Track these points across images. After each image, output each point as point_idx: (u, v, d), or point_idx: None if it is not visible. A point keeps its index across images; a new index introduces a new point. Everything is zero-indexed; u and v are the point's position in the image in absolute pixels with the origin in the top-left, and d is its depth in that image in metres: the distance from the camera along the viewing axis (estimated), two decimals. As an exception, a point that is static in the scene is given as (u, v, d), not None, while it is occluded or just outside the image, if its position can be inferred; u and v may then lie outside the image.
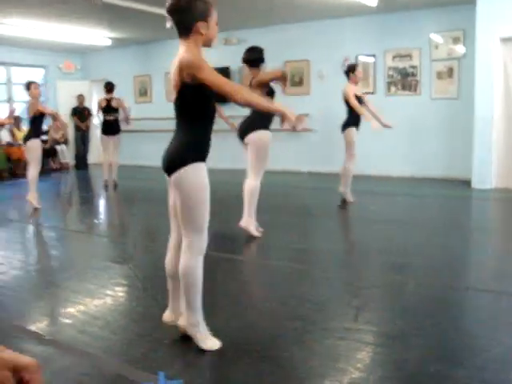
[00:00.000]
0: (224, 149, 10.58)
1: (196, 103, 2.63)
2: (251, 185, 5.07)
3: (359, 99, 6.68)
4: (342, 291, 3.79)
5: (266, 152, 5.03)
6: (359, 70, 6.74)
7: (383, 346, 2.82)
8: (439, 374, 2.45)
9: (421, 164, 9.08)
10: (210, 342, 2.77)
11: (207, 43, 2.66)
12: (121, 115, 9.25)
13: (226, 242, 5.22)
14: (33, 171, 7.25)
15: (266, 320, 3.21)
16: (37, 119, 7.18)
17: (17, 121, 11.89)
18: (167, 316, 2.98)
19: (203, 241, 2.74)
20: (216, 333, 2.85)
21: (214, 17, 2.63)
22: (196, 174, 2.63)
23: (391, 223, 5.82)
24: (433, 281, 3.81)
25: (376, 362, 2.67)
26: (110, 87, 9.14)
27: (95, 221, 6.96)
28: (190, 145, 2.65)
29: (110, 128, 9.14)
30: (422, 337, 2.84)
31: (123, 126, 9.48)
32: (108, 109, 9.07)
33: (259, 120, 4.94)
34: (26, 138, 7.25)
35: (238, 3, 7.95)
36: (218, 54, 10.71)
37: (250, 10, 8.56)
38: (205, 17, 2.57)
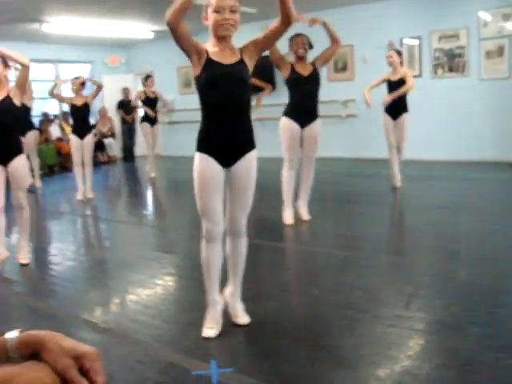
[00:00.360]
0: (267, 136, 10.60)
1: (199, 94, 2.73)
2: (282, 173, 5.18)
3: (390, 84, 6.61)
4: (392, 278, 3.73)
5: (285, 139, 5.07)
6: (388, 54, 6.68)
7: (436, 333, 2.77)
8: (497, 362, 2.38)
9: (472, 147, 8.83)
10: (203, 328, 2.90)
11: (213, 32, 2.67)
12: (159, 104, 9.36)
13: (271, 229, 5.22)
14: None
15: (317, 308, 3.20)
16: None
17: (65, 116, 12.22)
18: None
19: (205, 227, 2.85)
20: (265, 321, 2.86)
21: (211, 6, 2.58)
22: (196, 164, 2.74)
23: (443, 209, 5.68)
24: (487, 268, 3.69)
25: (429, 350, 2.63)
26: (146, 78, 9.28)
27: (144, 212, 7.09)
28: (198, 134, 2.78)
29: (149, 118, 9.29)
30: (478, 325, 2.77)
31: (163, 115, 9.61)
32: (147, 100, 9.19)
33: (286, 107, 5.12)
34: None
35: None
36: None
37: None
38: (204, 7, 2.65)
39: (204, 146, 2.73)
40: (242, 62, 2.72)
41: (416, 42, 9.24)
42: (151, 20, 10.16)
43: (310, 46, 5.04)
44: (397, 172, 6.76)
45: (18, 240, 4.55)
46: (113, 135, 13.01)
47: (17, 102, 4.19)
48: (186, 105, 12.57)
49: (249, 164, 2.77)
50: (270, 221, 5.42)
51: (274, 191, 5.85)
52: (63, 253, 4.95)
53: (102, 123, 12.84)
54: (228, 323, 2.96)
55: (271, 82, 10.78)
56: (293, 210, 5.26)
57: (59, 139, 11.77)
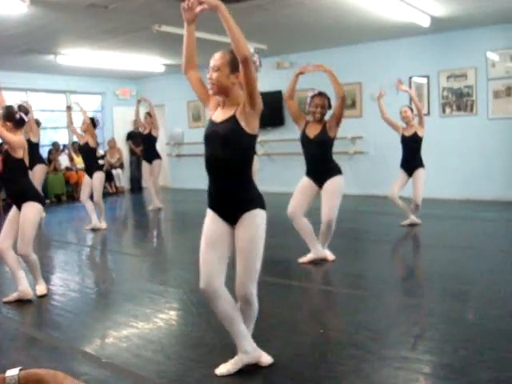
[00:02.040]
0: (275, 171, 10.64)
1: None
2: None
3: (404, 139, 6.65)
4: (399, 319, 3.67)
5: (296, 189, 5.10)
6: (403, 110, 6.72)
7: (444, 378, 2.71)
8: (506, 409, 2.33)
9: (479, 186, 8.80)
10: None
11: None
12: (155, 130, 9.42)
13: (279, 267, 5.19)
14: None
15: (322, 347, 3.15)
16: None
17: (75, 146, 12.34)
18: None
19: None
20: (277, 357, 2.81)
21: None
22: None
23: (451, 248, 5.63)
24: (496, 310, 3.63)
25: (437, 394, 2.57)
26: (145, 116, 9.44)
27: (150, 244, 7.07)
28: None
29: (147, 155, 9.42)
30: (487, 370, 2.71)
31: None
32: (148, 137, 9.31)
33: None
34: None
35: (289, 27, 8.02)
36: (271, 78, 10.83)
37: (301, 33, 8.61)
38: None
39: (208, 200, 2.79)
40: (232, 118, 2.63)
41: (424, 81, 9.32)
42: (162, 54, 10.33)
43: (329, 106, 4.99)
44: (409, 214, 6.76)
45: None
46: (121, 166, 13.10)
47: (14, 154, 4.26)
48: (194, 138, 12.67)
49: (247, 224, 2.66)
50: (276, 258, 5.38)
51: (282, 227, 5.83)
52: (68, 284, 4.93)
53: (111, 154, 12.94)
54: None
55: (279, 118, 10.90)
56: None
57: (68, 169, 11.85)
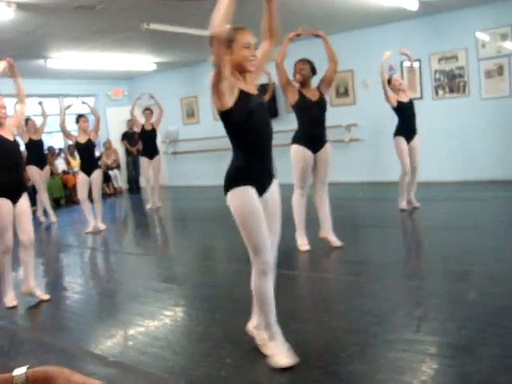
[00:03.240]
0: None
1: (233, 126, 2.73)
2: (293, 200, 5.18)
3: (400, 106, 6.65)
4: (402, 302, 3.71)
5: (299, 167, 5.06)
6: (394, 78, 6.74)
7: (448, 357, 2.74)
8: (511, 384, 2.36)
9: (475, 166, 8.83)
10: (276, 358, 2.77)
11: (238, 67, 2.70)
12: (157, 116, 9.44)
13: (280, 256, 5.20)
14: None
15: (326, 334, 3.18)
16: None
17: (71, 149, 12.34)
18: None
19: (261, 263, 2.73)
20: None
21: (238, 42, 2.67)
22: (239, 199, 2.71)
23: (451, 229, 5.66)
24: (496, 288, 3.66)
25: (443, 374, 2.60)
26: (143, 111, 9.45)
27: (151, 243, 7.09)
28: (232, 170, 2.77)
29: (148, 150, 9.39)
30: (490, 346, 2.74)
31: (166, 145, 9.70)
32: (152, 133, 9.30)
33: (296, 133, 5.13)
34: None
35: (279, 18, 8.01)
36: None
37: (289, 24, 8.56)
38: (223, 42, 2.55)
39: (245, 178, 2.71)
40: (259, 94, 2.86)
41: (416, 65, 9.31)
42: (153, 52, 10.32)
43: (314, 72, 5.06)
44: (407, 195, 6.78)
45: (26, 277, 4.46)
46: (118, 167, 13.10)
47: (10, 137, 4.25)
48: (189, 135, 12.68)
49: (277, 190, 2.88)
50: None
51: (283, 218, 5.84)
52: (72, 286, 4.95)
53: (107, 155, 12.94)
54: (238, 354, 2.93)
55: (273, 109, 10.88)
56: (306, 236, 5.25)
57: (65, 172, 11.86)
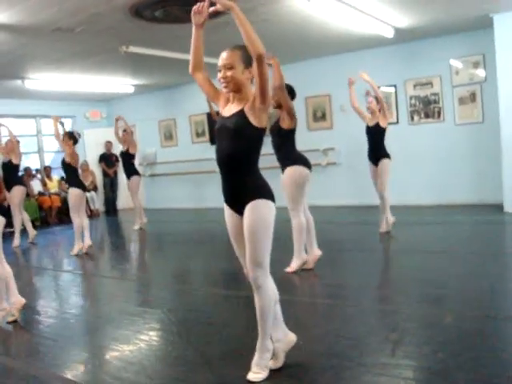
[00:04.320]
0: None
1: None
2: (298, 222, 5.18)
3: (368, 129, 6.75)
4: (378, 325, 3.71)
5: (305, 187, 5.18)
6: (369, 100, 6.85)
7: (424, 381, 2.74)
8: (485, 408, 2.36)
9: (450, 191, 8.97)
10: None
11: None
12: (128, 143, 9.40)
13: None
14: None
15: (302, 358, 3.15)
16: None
17: (47, 170, 12.22)
18: None
19: (267, 274, 2.87)
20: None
21: None
22: (269, 210, 2.81)
23: (426, 253, 5.72)
24: (471, 311, 3.71)
25: (418, 398, 2.60)
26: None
27: (127, 266, 7.01)
28: (264, 182, 2.90)
29: (125, 172, 9.42)
30: (465, 371, 2.75)
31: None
32: (127, 155, 9.31)
33: (293, 154, 5.19)
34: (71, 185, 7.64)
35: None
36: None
37: (267, 49, 8.70)
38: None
39: (222, 194, 2.91)
40: (241, 112, 2.74)
41: (392, 90, 9.50)
42: (132, 74, 10.35)
43: (292, 95, 5.12)
44: (385, 217, 6.82)
45: None
46: (95, 189, 12.99)
47: None
48: (167, 157, 12.66)
49: (250, 214, 2.75)
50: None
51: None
52: (45, 310, 4.85)
53: (84, 177, 12.82)
54: (211, 379, 2.90)
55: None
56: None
57: (41, 194, 11.72)
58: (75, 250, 7.47)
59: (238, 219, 2.85)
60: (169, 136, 12.84)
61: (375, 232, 6.94)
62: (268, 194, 2.80)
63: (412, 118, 9.36)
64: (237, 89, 2.75)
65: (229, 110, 2.82)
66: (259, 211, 2.75)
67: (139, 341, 3.75)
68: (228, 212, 2.90)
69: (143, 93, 12.56)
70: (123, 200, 13.19)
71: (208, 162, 11.70)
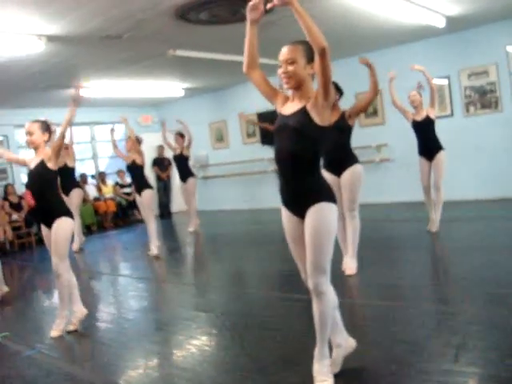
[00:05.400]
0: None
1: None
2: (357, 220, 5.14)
3: (416, 124, 6.51)
4: (438, 329, 3.52)
5: (359, 186, 5.09)
6: (412, 94, 6.62)
7: (491, 389, 2.58)
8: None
9: (510, 184, 8.57)
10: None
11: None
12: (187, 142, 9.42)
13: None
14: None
15: (360, 363, 3.04)
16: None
17: (102, 176, 12.48)
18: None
19: (327, 279, 2.75)
20: (307, 379, 2.72)
21: None
22: (334, 213, 2.70)
23: (486, 250, 5.45)
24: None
25: (484, 408, 2.44)
26: (183, 136, 9.43)
27: (182, 270, 7.04)
28: (326, 184, 2.79)
29: (181, 175, 9.40)
30: (536, 378, 2.56)
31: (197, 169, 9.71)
32: (181, 157, 9.31)
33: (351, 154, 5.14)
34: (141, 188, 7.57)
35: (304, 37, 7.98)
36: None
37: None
38: None
39: (280, 196, 2.82)
40: (302, 110, 2.64)
41: (445, 82, 9.17)
42: (181, 78, 10.42)
43: (340, 92, 5.01)
44: (433, 216, 6.58)
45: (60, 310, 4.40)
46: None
47: (51, 165, 4.23)
48: (219, 159, 12.70)
49: (313, 217, 2.63)
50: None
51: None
52: (101, 315, 4.92)
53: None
54: (267, 385, 2.82)
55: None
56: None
57: (96, 199, 11.98)
58: (156, 251, 7.48)
59: (297, 222, 2.73)
60: (220, 138, 12.87)
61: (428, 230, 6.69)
62: (331, 197, 2.69)
63: (467, 110, 9.00)
64: (298, 85, 2.65)
65: (289, 108, 2.72)
66: (323, 215, 2.63)
67: (192, 346, 3.72)
68: (286, 214, 2.79)
69: (193, 96, 12.64)
70: (177, 203, 13.32)
71: (259, 162, 11.68)
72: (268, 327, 3.93)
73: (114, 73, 8.87)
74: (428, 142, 6.55)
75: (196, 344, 3.75)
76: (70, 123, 4.58)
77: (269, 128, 7.24)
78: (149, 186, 7.65)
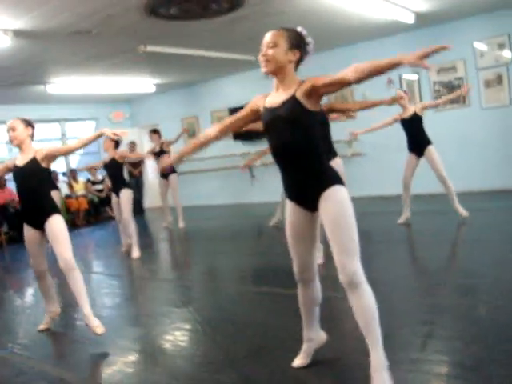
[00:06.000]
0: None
1: None
2: None
3: (405, 122, 6.64)
4: (407, 319, 3.60)
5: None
6: (399, 95, 6.63)
7: (457, 377, 2.64)
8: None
9: (477, 177, 8.75)
10: None
11: None
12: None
13: (281, 275, 5.12)
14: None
15: (329, 356, 3.08)
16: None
17: (73, 173, 12.35)
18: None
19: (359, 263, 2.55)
20: (280, 372, 2.76)
21: None
22: (348, 197, 2.58)
23: (455, 242, 5.59)
24: (506, 302, 3.57)
25: (450, 394, 2.51)
26: (158, 133, 9.39)
27: (155, 266, 7.01)
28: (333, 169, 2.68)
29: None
30: (499, 365, 2.62)
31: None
32: (161, 153, 9.26)
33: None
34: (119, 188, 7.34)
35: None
36: (260, 89, 10.82)
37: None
38: None
39: (284, 190, 2.70)
40: (292, 99, 2.50)
41: (415, 77, 9.31)
42: (152, 74, 10.36)
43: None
44: (406, 211, 6.71)
45: (81, 308, 4.09)
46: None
47: (44, 165, 4.06)
48: (193, 155, 12.64)
49: (329, 201, 2.48)
50: (280, 267, 5.33)
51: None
52: (70, 313, 4.88)
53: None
54: (241, 379, 2.85)
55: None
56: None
57: (68, 196, 11.84)
58: (138, 253, 7.24)
59: (304, 215, 2.62)
60: (192, 133, 12.83)
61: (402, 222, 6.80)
62: (341, 180, 2.56)
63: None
64: (276, 70, 2.54)
65: (275, 98, 2.59)
66: (340, 196, 2.49)
67: (165, 341, 3.73)
68: (293, 208, 2.64)
69: (165, 91, 12.59)
70: (149, 199, 13.26)
71: (232, 158, 11.68)
72: (239, 321, 3.96)
73: (84, 69, 8.77)
74: (418, 139, 6.68)
75: (169, 339, 3.76)
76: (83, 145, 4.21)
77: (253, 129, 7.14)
78: (127, 186, 7.47)
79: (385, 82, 9.35)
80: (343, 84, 2.36)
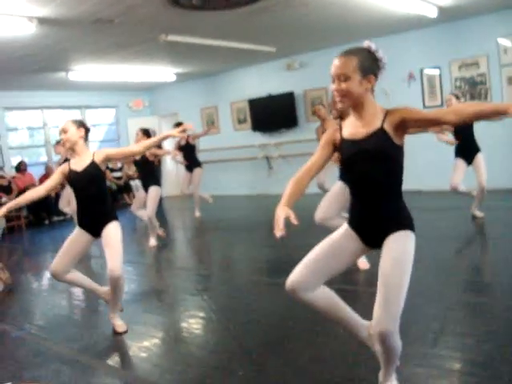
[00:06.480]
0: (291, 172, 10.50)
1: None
2: None
3: (457, 128, 6.47)
4: (419, 314, 3.61)
5: None
6: (447, 98, 6.54)
7: (467, 373, 2.66)
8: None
9: (498, 175, 8.66)
10: None
11: None
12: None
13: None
14: None
15: (342, 348, 3.12)
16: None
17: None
18: None
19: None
20: (295, 360, 2.79)
21: None
22: (414, 244, 2.38)
23: (466, 240, 5.56)
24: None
25: (460, 390, 2.52)
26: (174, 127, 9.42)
27: (171, 254, 7.09)
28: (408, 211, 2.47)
29: (187, 166, 9.43)
30: (509, 363, 2.64)
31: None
32: (187, 146, 9.32)
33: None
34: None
35: (298, 28, 8.00)
36: (281, 80, 10.82)
37: (308, 33, 8.58)
38: None
39: (350, 218, 2.50)
40: (380, 131, 2.28)
41: (436, 72, 9.22)
42: (173, 63, 10.39)
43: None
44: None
45: (109, 308, 4.00)
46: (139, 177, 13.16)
47: (102, 167, 3.86)
48: (211, 145, 12.70)
49: (395, 245, 2.31)
50: (296, 259, 5.34)
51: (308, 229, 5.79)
52: (88, 298, 4.96)
53: (128, 166, 13.02)
54: (251, 367, 2.89)
55: (292, 119, 10.89)
56: None
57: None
58: (155, 242, 7.33)
59: (354, 245, 2.47)
60: (211, 123, 12.87)
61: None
62: (413, 226, 2.38)
63: (458, 101, 9.05)
64: (354, 104, 2.31)
65: (355, 129, 2.36)
66: (406, 244, 2.31)
67: (179, 328, 3.79)
68: (350, 234, 2.47)
69: (185, 81, 12.62)
70: (167, 188, 13.34)
71: (251, 148, 11.71)
72: (253, 311, 4.00)
73: (106, 57, 8.83)
74: (468, 145, 6.54)
75: (184, 326, 3.82)
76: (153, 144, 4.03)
77: None
78: (157, 183, 7.41)
79: (405, 77, 9.28)
80: (439, 124, 2.24)
